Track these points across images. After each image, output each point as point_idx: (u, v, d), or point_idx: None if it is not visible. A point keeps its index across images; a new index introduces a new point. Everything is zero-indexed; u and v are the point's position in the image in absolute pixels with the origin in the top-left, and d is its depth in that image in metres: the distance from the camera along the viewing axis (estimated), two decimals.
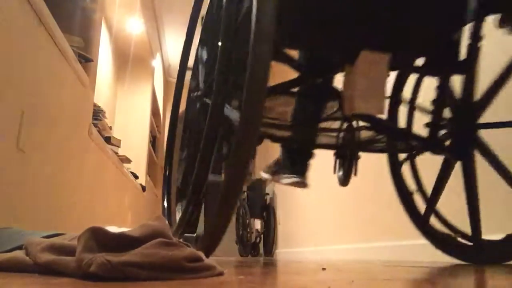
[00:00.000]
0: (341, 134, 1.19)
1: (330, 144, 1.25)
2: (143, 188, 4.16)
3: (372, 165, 2.35)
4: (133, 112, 4.26)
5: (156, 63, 4.77)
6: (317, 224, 3.34)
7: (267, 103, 0.96)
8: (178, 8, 4.44)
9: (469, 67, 1.06)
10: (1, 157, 1.30)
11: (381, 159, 2.35)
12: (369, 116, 1.11)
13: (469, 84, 1.08)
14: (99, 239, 0.59)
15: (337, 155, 1.29)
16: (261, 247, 4.83)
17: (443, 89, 1.12)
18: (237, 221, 4.89)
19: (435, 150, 1.19)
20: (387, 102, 1.23)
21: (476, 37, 1.02)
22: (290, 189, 4.26)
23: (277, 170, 1.41)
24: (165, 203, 1.47)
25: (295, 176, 1.33)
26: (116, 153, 3.10)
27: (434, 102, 1.14)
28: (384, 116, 1.13)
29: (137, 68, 4.32)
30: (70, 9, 2.10)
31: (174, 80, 5.96)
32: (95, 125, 2.51)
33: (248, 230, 4.83)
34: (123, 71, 4.26)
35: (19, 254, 0.74)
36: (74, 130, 2.04)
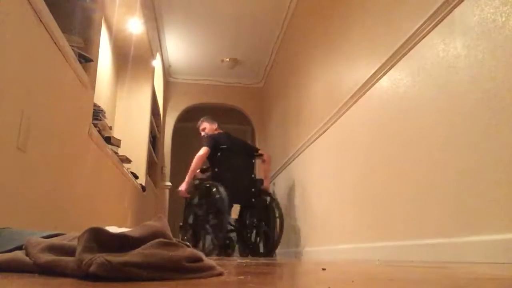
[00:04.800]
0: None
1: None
2: (143, 188, 4.16)
3: (372, 166, 2.35)
4: (133, 112, 4.26)
5: (156, 63, 4.77)
6: (317, 224, 3.34)
7: None
8: (178, 8, 4.43)
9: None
10: (1, 157, 1.30)
11: (381, 161, 2.35)
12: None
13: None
14: (99, 239, 0.59)
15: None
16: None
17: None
18: None
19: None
20: None
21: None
22: (290, 189, 4.26)
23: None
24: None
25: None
26: (116, 153, 3.10)
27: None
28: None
29: (137, 68, 4.32)
30: (70, 9, 2.10)
31: (174, 80, 5.99)
32: (95, 125, 2.51)
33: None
34: (123, 71, 4.25)
35: (19, 254, 0.74)
36: (74, 130, 2.04)
